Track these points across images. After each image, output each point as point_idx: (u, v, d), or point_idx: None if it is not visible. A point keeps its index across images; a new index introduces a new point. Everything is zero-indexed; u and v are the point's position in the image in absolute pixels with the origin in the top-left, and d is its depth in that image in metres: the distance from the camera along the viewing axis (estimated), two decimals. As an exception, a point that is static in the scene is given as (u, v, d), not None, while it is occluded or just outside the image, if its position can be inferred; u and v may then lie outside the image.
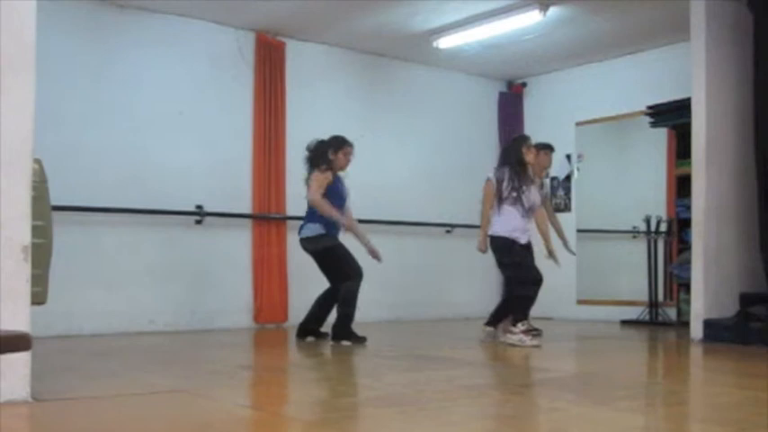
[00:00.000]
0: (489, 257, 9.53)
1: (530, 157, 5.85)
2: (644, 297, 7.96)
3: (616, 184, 8.82)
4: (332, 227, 5.84)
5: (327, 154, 5.87)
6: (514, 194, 5.77)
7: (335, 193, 5.84)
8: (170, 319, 6.91)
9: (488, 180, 5.92)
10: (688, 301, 6.55)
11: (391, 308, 8.26)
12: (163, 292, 6.91)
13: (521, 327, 5.67)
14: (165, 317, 6.90)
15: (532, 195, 5.87)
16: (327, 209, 5.74)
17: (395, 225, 8.26)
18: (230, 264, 7.31)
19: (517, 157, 5.83)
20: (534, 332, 5.86)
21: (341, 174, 6.00)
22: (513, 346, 5.63)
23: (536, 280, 5.80)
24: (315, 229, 5.82)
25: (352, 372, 4.78)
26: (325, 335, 5.97)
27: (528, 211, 5.87)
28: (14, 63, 3.25)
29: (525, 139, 5.97)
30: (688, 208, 6.68)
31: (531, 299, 5.87)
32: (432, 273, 8.67)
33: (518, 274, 5.88)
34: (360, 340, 5.74)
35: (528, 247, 5.96)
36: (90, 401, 3.39)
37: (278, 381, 4.37)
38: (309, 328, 6.02)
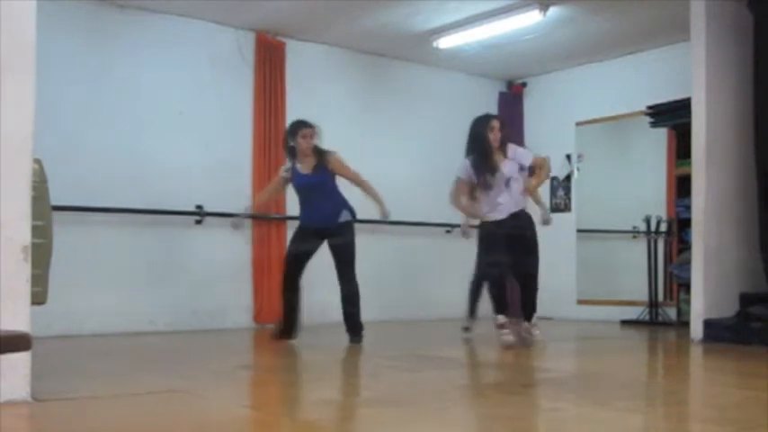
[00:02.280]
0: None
1: (492, 136, 5.56)
2: (644, 297, 7.96)
3: (616, 184, 8.82)
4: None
5: (289, 143, 5.79)
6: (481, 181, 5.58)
7: (296, 189, 5.85)
8: (170, 319, 6.91)
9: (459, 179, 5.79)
10: (688, 301, 6.54)
11: (391, 308, 8.25)
12: (163, 292, 6.91)
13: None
14: (165, 317, 6.90)
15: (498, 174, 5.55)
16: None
17: (395, 225, 8.25)
18: (230, 264, 7.30)
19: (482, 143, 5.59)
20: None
21: (332, 160, 5.77)
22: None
23: (483, 276, 5.78)
24: None
25: (352, 372, 4.78)
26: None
27: (494, 187, 5.56)
28: (14, 63, 3.25)
29: (489, 119, 5.68)
30: (688, 208, 6.68)
31: (472, 293, 6.00)
32: (432, 273, 8.66)
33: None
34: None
35: (503, 231, 5.59)
36: (90, 401, 3.39)
37: (278, 381, 4.37)
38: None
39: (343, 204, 5.82)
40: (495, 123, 5.61)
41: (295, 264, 5.78)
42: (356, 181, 5.89)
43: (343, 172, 5.85)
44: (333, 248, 5.77)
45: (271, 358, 5.59)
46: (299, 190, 5.81)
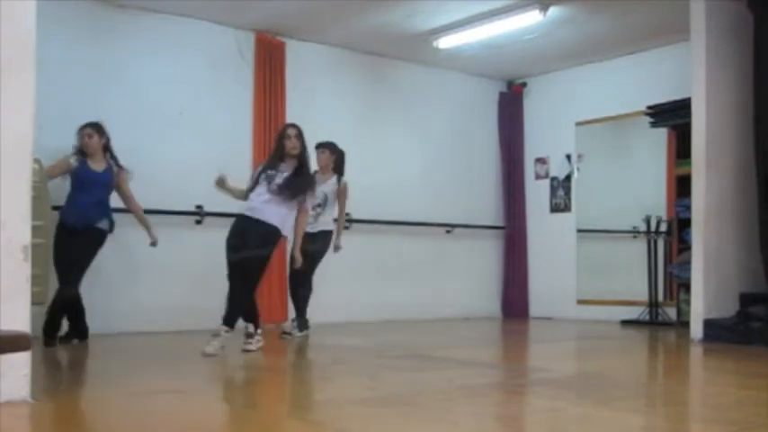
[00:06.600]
0: (491, 258, 9.51)
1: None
2: (644, 297, 7.96)
3: (616, 184, 8.82)
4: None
5: (78, 142, 5.96)
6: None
7: (78, 180, 5.85)
8: (170, 319, 6.91)
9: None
10: (688, 301, 6.55)
11: (391, 307, 8.26)
12: (163, 292, 6.91)
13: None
14: (165, 317, 6.90)
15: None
16: None
17: (395, 225, 8.26)
18: (230, 264, 7.29)
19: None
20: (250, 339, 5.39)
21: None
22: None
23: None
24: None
25: (352, 372, 4.78)
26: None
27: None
28: (14, 63, 3.25)
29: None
30: (688, 208, 6.68)
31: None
32: (432, 273, 8.66)
33: None
34: None
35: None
36: (90, 401, 3.39)
37: (278, 381, 4.37)
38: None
39: (107, 214, 5.93)
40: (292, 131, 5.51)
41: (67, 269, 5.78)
42: (131, 201, 6.15)
43: (125, 188, 6.10)
44: (74, 245, 5.76)
45: (270, 358, 5.59)
46: (83, 183, 5.87)
